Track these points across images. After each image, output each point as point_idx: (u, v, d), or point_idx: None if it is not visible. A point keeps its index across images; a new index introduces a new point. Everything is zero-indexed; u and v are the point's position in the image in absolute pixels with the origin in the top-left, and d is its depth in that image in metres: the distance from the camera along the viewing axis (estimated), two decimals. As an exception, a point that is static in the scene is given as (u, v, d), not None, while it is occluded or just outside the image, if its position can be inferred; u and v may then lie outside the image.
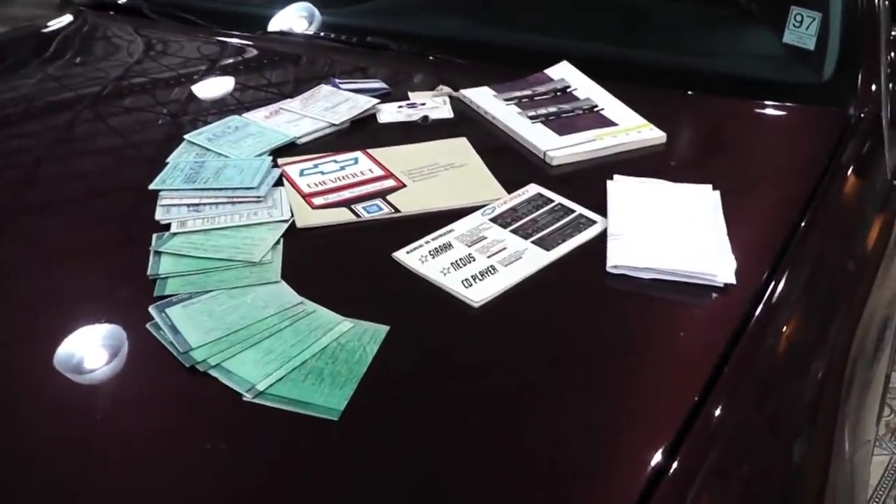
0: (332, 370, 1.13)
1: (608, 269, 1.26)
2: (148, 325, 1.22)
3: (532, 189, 1.45)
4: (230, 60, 2.15)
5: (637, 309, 1.24)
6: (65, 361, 1.18)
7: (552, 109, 1.69)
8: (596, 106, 1.69)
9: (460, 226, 1.38)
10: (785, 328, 1.23)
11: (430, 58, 1.97)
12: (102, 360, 1.19)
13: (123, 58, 2.22)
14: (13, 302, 1.32)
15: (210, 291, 1.28)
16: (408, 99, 1.78)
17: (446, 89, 1.77)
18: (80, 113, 1.94)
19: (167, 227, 1.43)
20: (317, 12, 2.12)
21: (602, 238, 1.32)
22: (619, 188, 1.43)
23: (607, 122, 1.64)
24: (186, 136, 1.68)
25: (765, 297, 1.22)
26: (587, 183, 1.48)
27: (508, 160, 1.59)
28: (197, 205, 1.46)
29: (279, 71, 2.11)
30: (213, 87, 1.99)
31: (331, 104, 1.74)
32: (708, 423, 1.04)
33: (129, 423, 1.10)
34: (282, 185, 1.51)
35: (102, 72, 2.16)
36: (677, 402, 1.05)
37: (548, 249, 1.31)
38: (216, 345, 1.17)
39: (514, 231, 1.35)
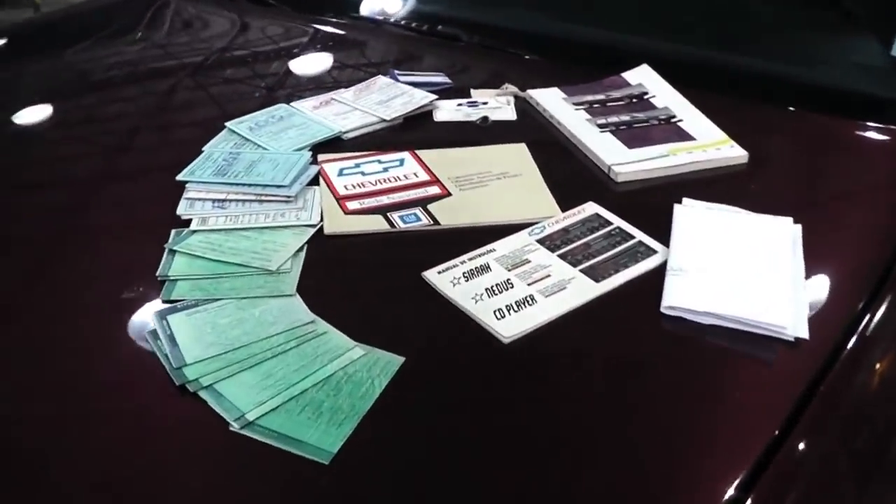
0: (332, 404, 1.01)
1: (663, 310, 1.08)
2: (146, 333, 1.13)
3: (590, 208, 1.29)
4: (300, 41, 2.04)
5: (692, 356, 1.08)
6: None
7: (624, 118, 1.52)
8: (674, 117, 1.52)
9: (503, 245, 1.23)
10: (878, 365, 1.09)
11: (504, 52, 1.83)
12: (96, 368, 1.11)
13: (221, 32, 2.14)
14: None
15: (219, 300, 1.17)
16: (469, 96, 1.61)
17: (512, 88, 1.61)
18: (181, 80, 1.88)
19: (188, 222, 1.32)
20: None
21: (661, 271, 1.16)
22: (687, 214, 1.26)
23: (684, 136, 1.47)
24: (228, 124, 1.55)
25: (846, 350, 1.06)
26: (653, 204, 1.32)
27: (569, 172, 1.44)
28: (223, 201, 1.35)
29: (340, 56, 1.96)
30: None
31: (385, 97, 1.60)
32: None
33: (98, 442, 0.99)
34: (317, 184, 1.37)
35: (205, 43, 2.09)
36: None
37: (597, 280, 1.16)
38: (212, 362, 1.07)
39: (563, 256, 1.20)
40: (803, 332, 1.05)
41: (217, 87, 1.86)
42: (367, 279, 1.23)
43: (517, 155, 1.44)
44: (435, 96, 1.60)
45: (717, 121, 1.50)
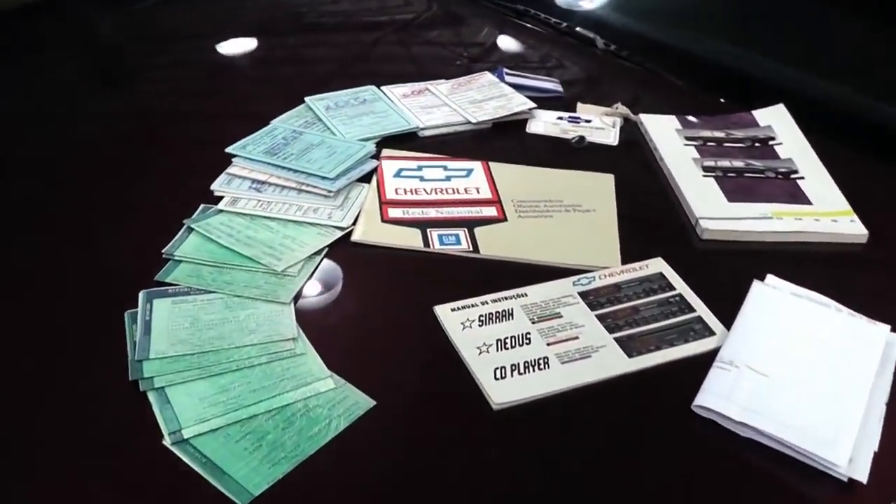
0: (277, 437, 0.90)
1: (693, 408, 0.90)
2: (126, 313, 1.04)
3: (655, 266, 1.11)
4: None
5: (715, 474, 0.89)
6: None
7: (737, 163, 1.31)
8: (795, 172, 1.29)
9: (537, 291, 1.07)
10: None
11: (640, 68, 1.64)
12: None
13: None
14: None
15: (212, 293, 1.07)
16: (574, 110, 1.42)
17: (623, 109, 1.42)
18: (386, 35, 1.83)
19: (220, 199, 1.22)
20: None
21: (710, 358, 0.96)
22: (765, 296, 1.06)
23: (799, 198, 1.25)
24: (307, 99, 1.42)
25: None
26: (734, 273, 1.12)
27: (651, 216, 1.26)
28: (262, 183, 1.24)
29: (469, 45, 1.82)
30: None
31: (481, 97, 1.44)
32: None
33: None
34: (369, 181, 1.23)
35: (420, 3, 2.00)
36: None
37: (630, 355, 0.98)
38: (174, 362, 0.98)
39: (602, 317, 1.03)
40: (862, 474, 0.85)
41: (419, 48, 1.80)
42: (375, 300, 1.09)
43: (600, 187, 1.26)
44: (534, 105, 1.42)
45: (846, 183, 1.27)
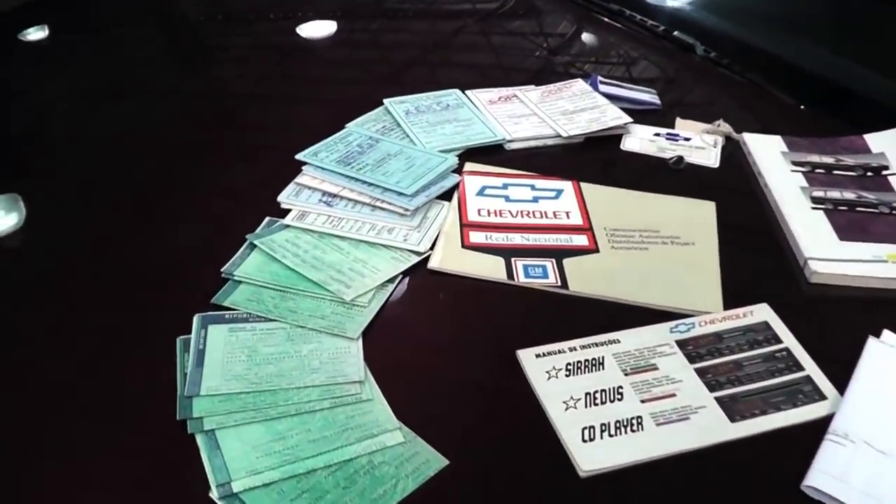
0: (336, 498, 0.81)
1: (803, 488, 0.80)
2: (179, 339, 0.97)
3: (760, 313, 1.00)
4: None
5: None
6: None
7: (848, 195, 1.19)
8: (915, 208, 1.17)
9: (632, 337, 0.97)
10: None
11: (744, 80, 1.51)
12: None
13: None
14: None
15: (273, 321, 0.99)
16: (672, 126, 1.31)
17: (725, 127, 1.31)
18: (467, 24, 1.75)
19: (287, 213, 1.14)
20: None
21: (821, 427, 0.85)
22: (883, 356, 0.95)
23: (918, 240, 1.12)
24: (386, 101, 1.33)
25: None
26: (848, 325, 1.01)
27: (755, 254, 1.14)
28: (333, 196, 1.15)
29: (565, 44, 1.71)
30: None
31: (573, 107, 1.33)
32: None
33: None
34: (450, 199, 1.14)
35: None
36: None
37: (733, 419, 0.88)
38: (226, 401, 0.90)
39: (702, 371, 0.93)
40: None
41: (499, 37, 1.71)
42: (452, 338, 0.99)
43: (699, 216, 1.15)
44: (630, 119, 1.30)
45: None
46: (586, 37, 1.69)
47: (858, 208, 1.16)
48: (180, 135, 1.33)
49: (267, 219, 1.13)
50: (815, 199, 1.17)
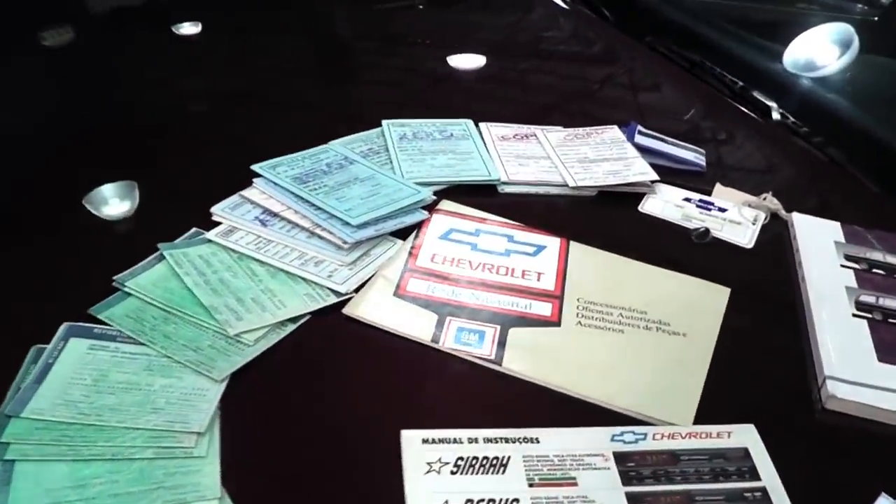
0: None
1: None
2: (34, 348, 0.82)
3: (741, 436, 0.77)
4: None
5: None
6: None
7: (906, 306, 0.93)
8: None
9: (557, 439, 0.75)
10: None
11: (819, 152, 1.27)
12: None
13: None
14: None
15: (141, 345, 0.83)
16: (709, 193, 1.08)
17: (773, 202, 1.07)
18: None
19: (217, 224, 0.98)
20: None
21: None
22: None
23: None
24: (385, 122, 1.14)
25: None
26: (857, 472, 0.77)
27: (764, 361, 0.89)
28: (274, 215, 0.96)
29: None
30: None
31: (595, 155, 1.12)
32: None
33: None
34: (407, 237, 0.95)
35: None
36: None
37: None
38: (46, 429, 0.74)
39: (635, 498, 0.71)
40: None
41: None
42: (333, 404, 0.79)
43: (705, 303, 0.92)
44: (655, 176, 1.09)
45: None
46: (663, 88, 1.46)
47: (916, 323, 0.91)
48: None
49: (193, 229, 0.95)
50: (860, 305, 0.92)
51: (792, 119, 1.29)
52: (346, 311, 0.86)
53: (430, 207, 1.02)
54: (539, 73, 1.52)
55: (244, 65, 1.45)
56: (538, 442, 0.75)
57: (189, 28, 1.56)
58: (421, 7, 1.77)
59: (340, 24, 1.73)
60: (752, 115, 1.34)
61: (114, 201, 1.02)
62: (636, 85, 1.50)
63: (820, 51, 1.36)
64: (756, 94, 1.34)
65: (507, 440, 0.74)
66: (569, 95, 1.44)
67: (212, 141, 1.16)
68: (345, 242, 0.93)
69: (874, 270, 0.98)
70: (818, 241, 1.02)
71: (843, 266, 0.98)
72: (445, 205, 1.03)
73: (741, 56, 1.47)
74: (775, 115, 1.30)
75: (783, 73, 1.38)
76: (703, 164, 1.17)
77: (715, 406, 0.80)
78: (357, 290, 0.89)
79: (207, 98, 1.32)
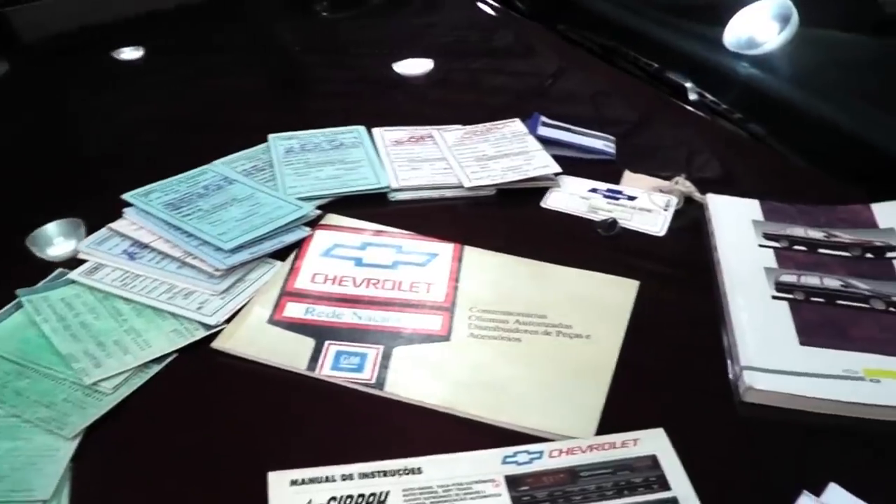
0: None
1: None
2: None
3: (649, 443, 0.70)
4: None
5: None
6: None
7: (831, 282, 0.87)
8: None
9: (443, 467, 0.68)
10: None
11: (741, 129, 1.20)
12: None
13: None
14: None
15: None
16: (618, 181, 1.01)
17: (685, 185, 0.99)
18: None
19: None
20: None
21: None
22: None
23: (917, 349, 0.79)
24: (272, 137, 1.07)
25: None
26: (781, 470, 0.70)
27: (677, 357, 0.82)
28: (144, 247, 0.89)
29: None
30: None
31: (494, 152, 1.05)
32: None
33: None
34: (293, 255, 0.89)
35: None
36: None
37: None
38: None
39: (530, 525, 0.62)
40: None
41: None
42: (202, 452, 0.71)
43: (612, 300, 0.85)
44: (558, 169, 1.01)
45: None
46: (569, 77, 1.39)
47: (840, 301, 0.84)
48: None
49: (58, 270, 0.87)
50: (781, 286, 0.85)
51: (710, 97, 1.22)
52: (216, 344, 0.79)
53: (314, 223, 0.94)
54: (463, 72, 1.46)
55: (191, 87, 1.38)
56: (420, 472, 0.67)
57: (130, 53, 1.49)
58: (325, 14, 1.68)
59: (285, 39, 1.65)
60: (669, 96, 1.26)
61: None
62: (546, 74, 1.42)
63: (760, 28, 1.30)
64: (671, 75, 1.27)
65: (385, 473, 0.67)
66: (476, 90, 1.37)
67: (163, 169, 1.06)
68: (217, 269, 0.85)
69: (795, 247, 0.91)
70: (735, 221, 0.95)
71: (761, 246, 0.92)
72: (331, 219, 0.95)
73: (658, 38, 1.40)
74: (692, 95, 1.23)
75: (700, 52, 1.32)
76: (613, 151, 1.10)
77: (622, 413, 0.73)
78: (229, 321, 0.81)
79: (156, 125, 1.24)
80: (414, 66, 1.41)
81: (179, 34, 1.59)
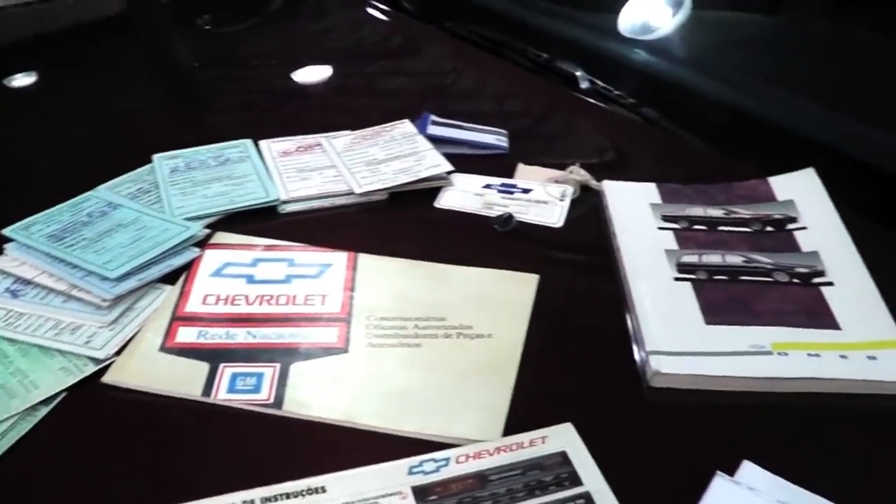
0: None
1: None
2: None
3: (557, 439, 0.69)
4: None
5: None
6: None
7: (732, 259, 0.87)
8: (820, 273, 0.85)
9: (347, 483, 0.65)
10: None
11: (634, 114, 1.20)
12: None
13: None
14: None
15: None
16: (511, 175, 0.99)
17: (580, 174, 0.98)
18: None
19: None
20: None
21: None
22: (728, 495, 0.63)
23: (820, 317, 0.80)
24: (156, 157, 1.03)
25: None
26: (695, 452, 0.69)
27: (583, 349, 0.81)
28: (28, 282, 0.85)
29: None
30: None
31: (384, 156, 1.03)
32: None
33: None
34: (182, 278, 0.86)
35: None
36: None
37: None
38: None
39: (440, 536, 0.59)
40: None
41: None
42: (90, 498, 0.66)
43: (511, 296, 0.84)
44: (450, 167, 0.99)
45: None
46: (465, 73, 1.38)
47: (744, 277, 0.83)
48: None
49: (-56, 310, 0.83)
50: (682, 267, 0.84)
51: (602, 84, 1.21)
52: (107, 378, 0.75)
53: (203, 243, 0.91)
54: (360, 77, 1.44)
55: (88, 109, 1.33)
56: (324, 491, 0.65)
57: (22, 79, 1.43)
58: (208, 28, 1.64)
59: (181, 54, 1.62)
60: (560, 86, 1.25)
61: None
62: (440, 73, 1.41)
63: (653, 13, 1.30)
64: (561, 65, 1.26)
65: (288, 496, 0.65)
66: (374, 94, 1.35)
67: (59, 197, 1.02)
68: (104, 300, 0.82)
69: (695, 227, 0.91)
70: (632, 206, 0.95)
71: (660, 228, 0.91)
72: (220, 237, 0.92)
73: (549, 29, 1.39)
74: (583, 84, 1.22)
75: (594, 40, 1.32)
76: (506, 145, 1.09)
77: (530, 410, 0.72)
78: (120, 353, 0.78)
79: (52, 152, 1.19)
80: (311, 74, 1.38)
81: (71, 56, 1.54)
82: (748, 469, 0.65)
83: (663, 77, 1.24)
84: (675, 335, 0.77)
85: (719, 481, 0.64)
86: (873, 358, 0.74)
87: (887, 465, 0.68)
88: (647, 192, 0.97)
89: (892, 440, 0.70)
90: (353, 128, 1.13)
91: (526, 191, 0.98)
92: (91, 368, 0.77)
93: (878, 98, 1.06)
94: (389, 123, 1.12)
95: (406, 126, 1.11)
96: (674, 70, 1.24)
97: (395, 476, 0.66)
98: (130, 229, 0.92)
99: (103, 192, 1.00)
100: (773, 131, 1.08)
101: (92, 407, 0.74)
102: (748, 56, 1.23)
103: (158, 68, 1.53)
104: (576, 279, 0.89)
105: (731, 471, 0.65)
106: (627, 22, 1.31)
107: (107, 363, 0.77)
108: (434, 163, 1.01)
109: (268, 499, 0.64)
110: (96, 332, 0.80)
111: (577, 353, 0.79)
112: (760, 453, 0.66)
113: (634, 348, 0.77)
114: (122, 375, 0.76)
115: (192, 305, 0.83)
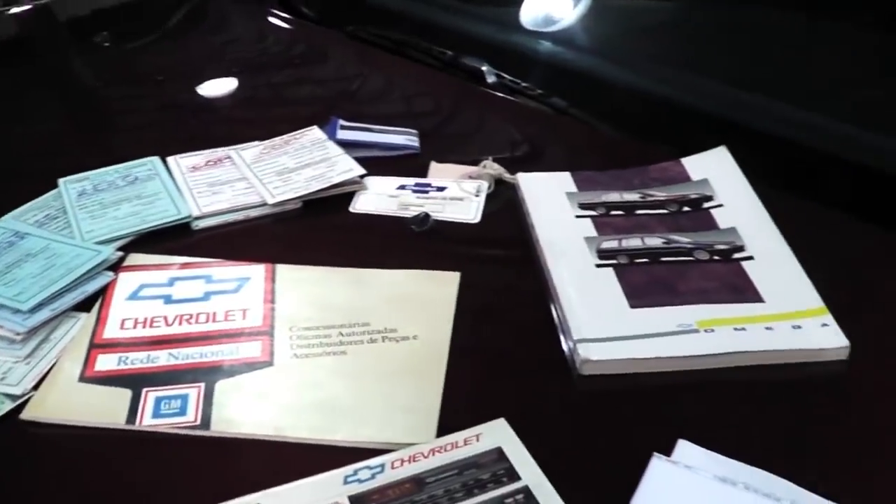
0: None
1: None
2: None
3: (491, 436, 0.68)
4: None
5: None
6: None
7: (652, 241, 0.88)
8: (739, 249, 0.86)
9: (281, 499, 0.64)
10: None
11: (545, 105, 1.19)
12: None
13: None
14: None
15: None
16: (425, 175, 0.99)
17: (494, 168, 0.98)
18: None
19: None
20: None
21: None
22: (670, 481, 0.63)
23: (743, 291, 0.81)
24: (62, 181, 1.00)
25: None
26: (629, 437, 0.70)
27: (509, 343, 0.81)
28: (-65, 321, 0.80)
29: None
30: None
31: (295, 164, 1.02)
32: None
33: None
34: (98, 303, 0.84)
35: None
36: None
37: None
38: None
39: (379, 544, 0.58)
40: None
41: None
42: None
43: (433, 296, 0.84)
44: (362, 171, 0.98)
45: (818, 263, 0.82)
46: (369, 76, 1.37)
47: (665, 258, 0.84)
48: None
49: None
50: (603, 253, 0.84)
51: (508, 78, 1.21)
52: (26, 415, 0.73)
53: (117, 266, 0.89)
54: (267, 87, 1.42)
55: None
56: (261, 508, 0.63)
57: None
58: (107, 45, 1.61)
59: (82, 74, 1.59)
60: (467, 82, 1.25)
61: None
62: (345, 77, 1.39)
63: (555, 5, 1.30)
64: (466, 61, 1.25)
65: (220, 518, 0.63)
66: (282, 104, 1.33)
67: None
68: (17, 333, 0.80)
69: (612, 213, 0.92)
70: (548, 196, 0.95)
71: (578, 217, 0.91)
72: (133, 259, 0.91)
73: (452, 26, 1.39)
74: (490, 78, 1.22)
75: (497, 35, 1.32)
76: (417, 144, 1.08)
77: (462, 409, 0.71)
78: (37, 387, 0.75)
79: None
80: (217, 87, 1.36)
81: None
82: (684, 448, 0.66)
83: (571, 67, 1.25)
84: (600, 322, 0.77)
85: (657, 462, 0.64)
86: (798, 327, 0.75)
87: (818, 430, 0.68)
88: (562, 181, 0.97)
89: (821, 405, 0.71)
90: (263, 138, 1.12)
91: (440, 189, 0.98)
92: (8, 406, 0.75)
93: (780, 73, 1.08)
94: (299, 131, 1.10)
95: (315, 133, 1.10)
96: (581, 60, 1.25)
97: (331, 487, 0.65)
98: (40, 258, 0.89)
99: (9, 221, 0.98)
100: (684, 114, 1.09)
101: (11, 446, 0.72)
102: (653, 42, 1.23)
103: (59, 90, 1.48)
104: (497, 274, 0.89)
105: (667, 451, 0.65)
106: (529, 15, 1.31)
107: (24, 399, 0.75)
108: (346, 168, 1.00)
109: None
110: (11, 368, 0.78)
111: (504, 348, 0.78)
112: (695, 431, 0.66)
113: (562, 338, 0.77)
114: (41, 410, 0.73)
115: (110, 331, 0.81)
